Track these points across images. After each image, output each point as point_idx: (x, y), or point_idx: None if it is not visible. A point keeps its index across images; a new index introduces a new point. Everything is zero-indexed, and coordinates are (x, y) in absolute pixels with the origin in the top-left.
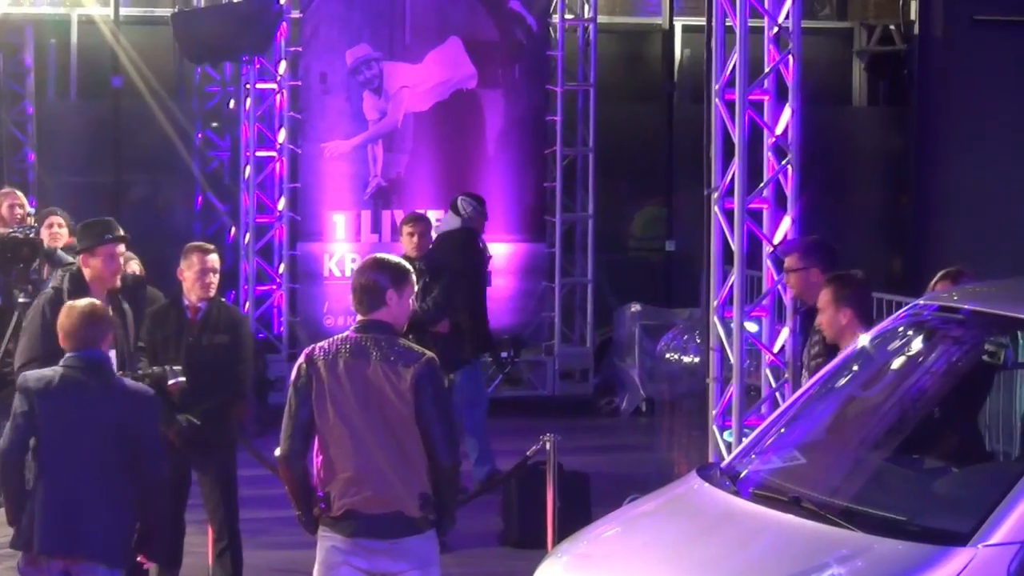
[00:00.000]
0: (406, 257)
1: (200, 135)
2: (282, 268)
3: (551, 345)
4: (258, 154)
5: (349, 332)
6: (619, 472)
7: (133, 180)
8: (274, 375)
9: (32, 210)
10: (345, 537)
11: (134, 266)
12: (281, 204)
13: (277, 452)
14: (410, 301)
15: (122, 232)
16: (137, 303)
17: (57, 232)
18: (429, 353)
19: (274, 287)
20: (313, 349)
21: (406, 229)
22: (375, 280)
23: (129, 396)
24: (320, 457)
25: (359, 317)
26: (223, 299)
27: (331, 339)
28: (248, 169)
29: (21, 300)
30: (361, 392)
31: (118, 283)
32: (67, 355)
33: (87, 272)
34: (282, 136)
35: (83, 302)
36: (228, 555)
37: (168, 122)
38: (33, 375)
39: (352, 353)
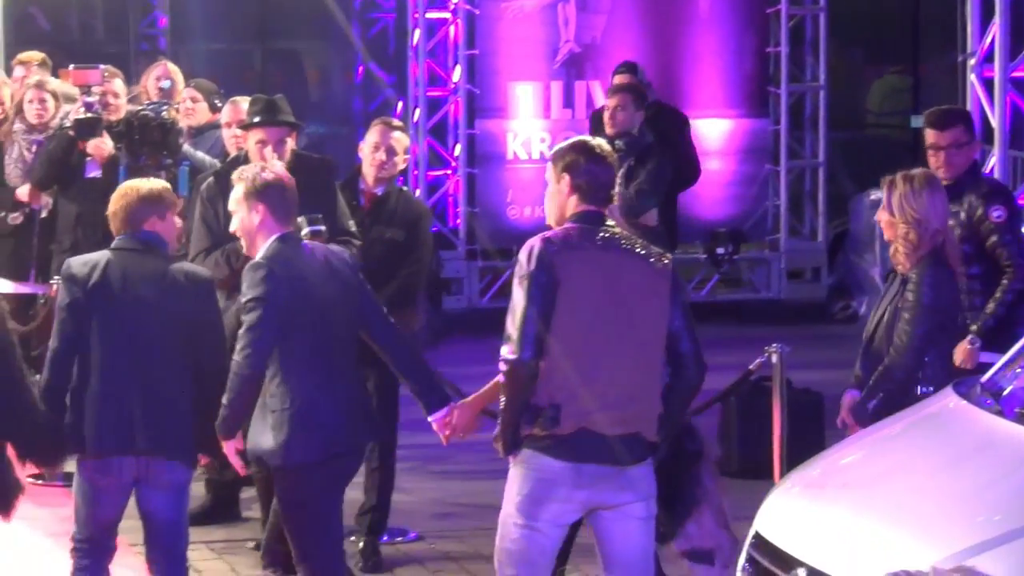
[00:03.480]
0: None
1: None
2: (458, 150)
3: (776, 239)
4: (428, 15)
5: (581, 224)
6: None
7: (280, 47)
8: (450, 275)
9: (165, 84)
10: (567, 462)
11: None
12: (456, 74)
13: (506, 352)
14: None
15: (286, 115)
16: None
17: (191, 108)
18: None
19: (449, 172)
20: (552, 236)
21: (606, 101)
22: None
23: (187, 279)
24: (548, 363)
25: (582, 207)
26: (405, 188)
27: (565, 227)
28: (417, 34)
29: None
30: (609, 289)
31: None
32: (117, 237)
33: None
34: None
35: (134, 181)
36: (377, 479)
37: None
38: (78, 261)
39: (599, 247)
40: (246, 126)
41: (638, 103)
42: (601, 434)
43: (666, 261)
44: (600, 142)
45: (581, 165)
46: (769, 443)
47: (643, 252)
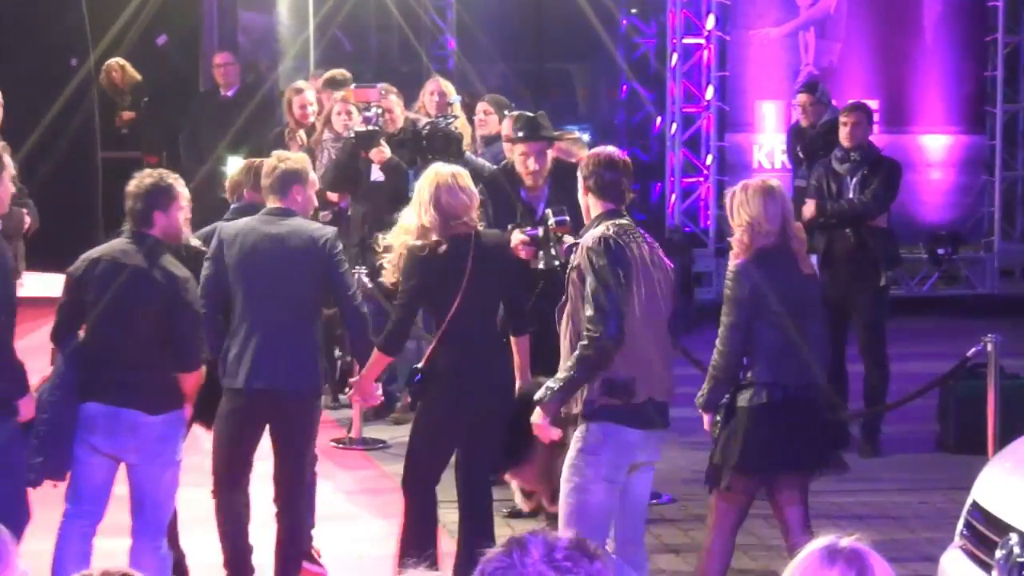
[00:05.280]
0: (841, 147)
1: (625, 21)
2: (709, 159)
3: (990, 241)
4: (685, 41)
5: (613, 220)
6: None
7: (554, 68)
8: (701, 270)
9: (457, 99)
10: (640, 429)
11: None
12: (709, 93)
13: (594, 331)
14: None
15: (545, 131)
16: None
17: (483, 119)
18: None
19: (701, 179)
20: (615, 232)
21: (842, 119)
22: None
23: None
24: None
25: (608, 206)
26: None
27: (607, 226)
28: (675, 57)
29: None
30: (650, 276)
31: (534, 180)
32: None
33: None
34: (710, 23)
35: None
36: None
37: (591, 7)
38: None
39: (635, 239)
40: (512, 140)
41: (869, 119)
42: (660, 401)
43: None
44: (611, 151)
45: (597, 171)
46: (984, 422)
47: (650, 241)
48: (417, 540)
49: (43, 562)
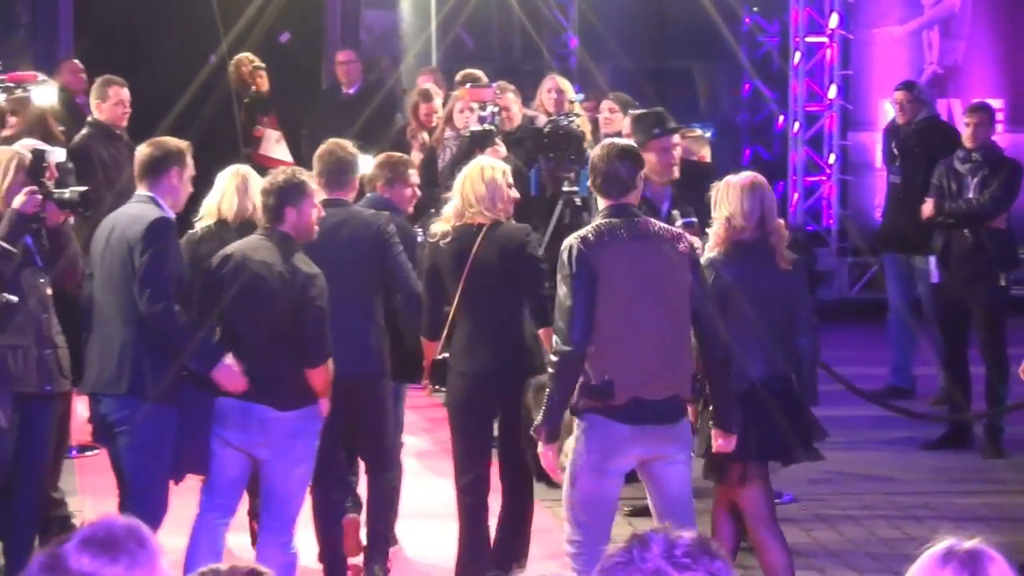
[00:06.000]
0: (963, 147)
1: (747, 19)
2: (832, 158)
3: None
4: (808, 40)
5: (607, 218)
6: None
7: (675, 66)
8: (823, 268)
9: (577, 97)
10: (630, 424)
11: (702, 151)
12: (832, 92)
13: (557, 344)
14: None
15: (674, 123)
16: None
17: (609, 118)
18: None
19: (824, 178)
20: (582, 236)
21: (965, 119)
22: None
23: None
24: (595, 346)
25: (614, 200)
26: None
27: (597, 223)
28: (798, 55)
29: (565, 189)
30: (640, 273)
31: (675, 174)
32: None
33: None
34: (833, 21)
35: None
36: None
37: (714, 5)
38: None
39: (627, 235)
40: (646, 140)
41: (992, 119)
42: (651, 400)
43: (685, 243)
44: (624, 143)
45: (597, 167)
46: None
47: (666, 236)
48: (466, 536)
49: (175, 558)
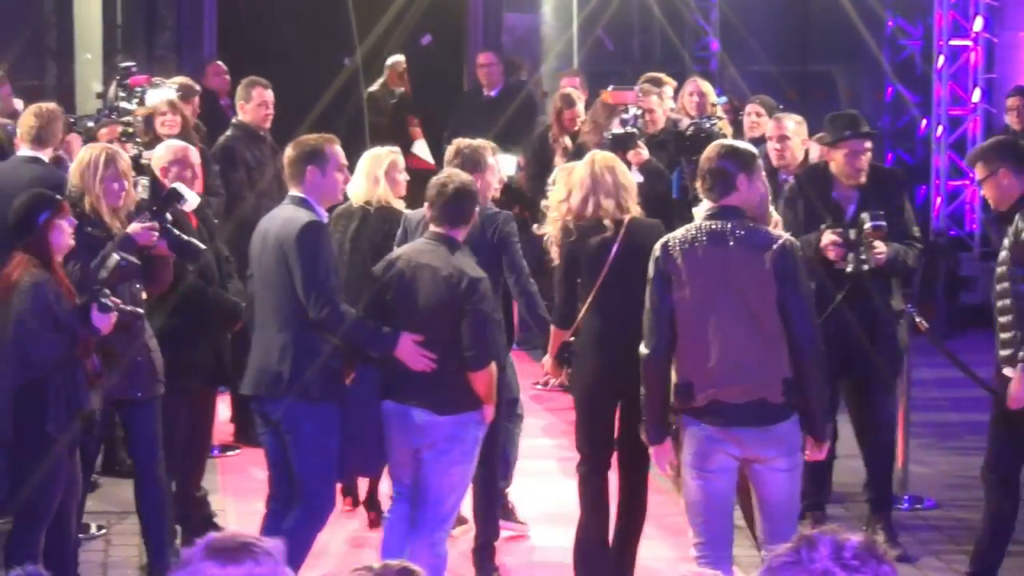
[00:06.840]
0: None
1: (890, 23)
2: None
3: None
4: (952, 43)
5: (701, 220)
6: None
7: (817, 70)
8: (966, 274)
9: (722, 100)
10: (714, 426)
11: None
12: (975, 95)
13: (642, 348)
14: (759, 185)
15: (867, 128)
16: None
17: (756, 122)
18: (786, 235)
19: (967, 183)
20: (667, 240)
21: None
22: (724, 166)
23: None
24: (678, 348)
25: (709, 204)
26: None
27: (684, 228)
28: (941, 59)
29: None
30: (721, 278)
31: (862, 178)
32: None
33: (832, 166)
34: (978, 24)
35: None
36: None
37: (856, 9)
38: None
39: (709, 240)
40: (836, 140)
41: None
42: (732, 403)
43: (780, 243)
44: (732, 143)
45: (702, 167)
46: None
47: (755, 241)
48: (585, 520)
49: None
